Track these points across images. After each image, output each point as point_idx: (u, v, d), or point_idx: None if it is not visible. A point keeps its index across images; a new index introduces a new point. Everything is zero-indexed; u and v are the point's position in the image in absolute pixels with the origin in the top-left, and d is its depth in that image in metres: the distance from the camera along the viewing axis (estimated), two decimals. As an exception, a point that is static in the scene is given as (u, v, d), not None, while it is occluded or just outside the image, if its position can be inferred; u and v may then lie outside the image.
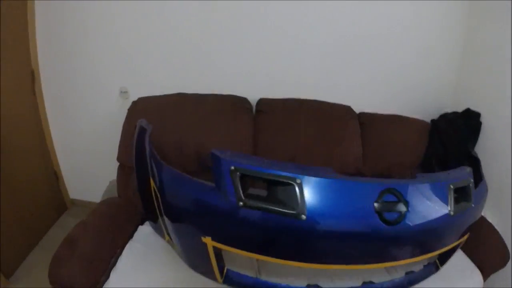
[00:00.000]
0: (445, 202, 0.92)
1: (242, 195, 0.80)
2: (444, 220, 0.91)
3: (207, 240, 0.88)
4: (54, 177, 1.87)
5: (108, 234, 1.19)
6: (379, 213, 0.82)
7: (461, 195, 0.99)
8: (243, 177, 0.82)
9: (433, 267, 1.18)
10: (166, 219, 1.01)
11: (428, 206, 0.88)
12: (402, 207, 0.84)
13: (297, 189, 0.79)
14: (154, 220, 1.27)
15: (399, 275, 1.14)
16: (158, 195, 0.99)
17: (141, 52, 1.61)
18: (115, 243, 1.18)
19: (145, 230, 1.33)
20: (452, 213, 0.91)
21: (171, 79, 1.65)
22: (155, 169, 0.99)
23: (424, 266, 1.19)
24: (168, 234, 1.14)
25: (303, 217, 0.78)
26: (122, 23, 1.55)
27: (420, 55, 1.66)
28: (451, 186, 0.93)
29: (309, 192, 0.80)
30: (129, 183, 1.48)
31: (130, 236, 1.28)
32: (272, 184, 0.82)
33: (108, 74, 1.66)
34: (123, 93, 1.68)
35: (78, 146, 1.85)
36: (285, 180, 0.80)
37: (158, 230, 1.26)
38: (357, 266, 0.91)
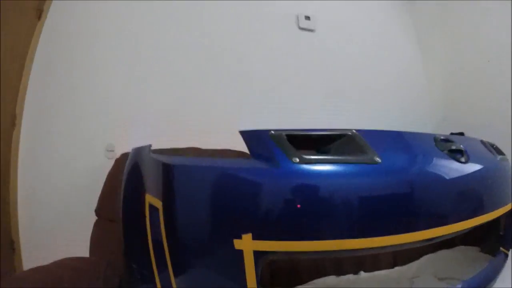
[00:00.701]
0: (488, 152, 0.87)
1: (294, 151, 0.58)
2: (496, 166, 0.82)
3: (245, 242, 0.56)
4: (9, 248, 1.35)
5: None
6: (447, 152, 0.69)
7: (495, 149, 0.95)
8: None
9: (502, 256, 0.95)
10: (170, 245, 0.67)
11: (478, 152, 0.80)
12: (461, 146, 0.73)
13: (356, 138, 0.62)
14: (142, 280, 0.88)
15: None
16: (162, 207, 0.67)
17: (133, 108, 1.47)
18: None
19: (122, 301, 0.91)
20: (499, 159, 0.84)
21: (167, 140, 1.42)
22: (159, 177, 0.71)
23: (491, 260, 0.96)
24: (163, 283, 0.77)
25: (377, 159, 0.58)
26: (117, 75, 1.47)
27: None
28: (484, 140, 0.90)
29: (369, 142, 0.62)
30: (106, 240, 1.10)
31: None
32: (322, 143, 0.64)
33: (94, 131, 1.43)
34: (109, 152, 1.42)
35: (47, 214, 1.40)
36: (338, 133, 0.64)
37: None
38: (450, 228, 0.65)
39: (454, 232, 0.69)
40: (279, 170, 0.56)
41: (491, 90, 1.59)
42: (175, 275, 0.68)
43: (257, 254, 0.57)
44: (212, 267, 0.63)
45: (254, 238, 0.56)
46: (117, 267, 0.97)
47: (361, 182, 0.58)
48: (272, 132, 0.63)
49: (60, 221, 1.41)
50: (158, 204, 0.70)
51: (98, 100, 1.46)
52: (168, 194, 0.67)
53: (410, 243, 0.61)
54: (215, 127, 1.51)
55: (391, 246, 0.59)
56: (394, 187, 0.60)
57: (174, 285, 0.70)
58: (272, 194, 0.56)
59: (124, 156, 1.24)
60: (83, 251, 1.16)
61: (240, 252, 0.56)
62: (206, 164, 0.64)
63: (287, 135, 0.62)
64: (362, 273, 1.08)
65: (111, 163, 1.29)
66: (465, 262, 1.11)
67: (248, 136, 0.65)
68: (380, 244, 0.57)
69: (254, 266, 0.56)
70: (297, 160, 0.57)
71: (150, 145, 0.86)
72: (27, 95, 1.42)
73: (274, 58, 1.65)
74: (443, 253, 1.20)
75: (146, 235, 0.78)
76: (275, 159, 0.57)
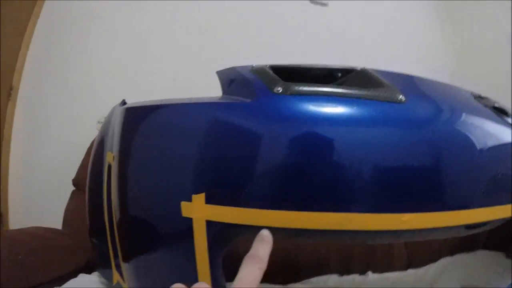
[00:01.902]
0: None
1: (279, 80, 0.36)
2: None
3: (196, 205, 0.34)
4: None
5: (29, 256, 0.61)
6: (492, 109, 0.45)
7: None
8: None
9: None
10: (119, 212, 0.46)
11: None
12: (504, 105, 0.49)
13: (368, 73, 0.39)
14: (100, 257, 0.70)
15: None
16: (114, 162, 0.47)
17: (129, 84, 1.30)
18: (34, 274, 0.60)
19: (86, 280, 0.72)
20: None
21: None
22: (118, 126, 0.50)
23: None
24: (117, 267, 0.58)
25: (401, 97, 0.35)
26: (116, 52, 1.32)
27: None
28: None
29: (384, 78, 0.39)
30: (79, 213, 0.93)
31: (62, 279, 0.68)
32: (322, 83, 0.43)
33: (88, 105, 1.28)
34: (100, 124, 1.29)
35: (38, 183, 1.27)
36: (344, 68, 0.42)
37: (106, 272, 0.68)
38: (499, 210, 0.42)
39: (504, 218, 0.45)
40: (252, 102, 0.35)
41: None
42: (122, 254, 0.49)
43: (214, 228, 0.35)
44: (156, 244, 0.41)
45: (208, 201, 0.34)
46: (86, 242, 0.81)
47: (377, 126, 0.35)
48: (253, 65, 0.43)
49: (49, 195, 1.26)
50: (112, 159, 0.51)
51: (94, 75, 1.32)
52: (120, 144, 0.47)
53: (443, 228, 0.38)
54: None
55: (417, 230, 0.36)
56: (429, 136, 0.37)
57: (122, 265, 0.51)
58: (238, 137, 0.33)
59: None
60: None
61: (189, 221, 0.35)
62: (161, 103, 0.44)
63: (273, 67, 0.41)
64: (370, 273, 0.83)
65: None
66: (489, 268, 0.85)
67: (224, 74, 0.44)
68: (400, 226, 0.34)
69: (207, 246, 0.34)
70: (280, 90, 0.35)
71: (124, 100, 0.68)
72: (25, 67, 1.30)
73: (281, 31, 1.43)
74: (463, 257, 0.93)
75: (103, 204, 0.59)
76: (252, 91, 0.36)
